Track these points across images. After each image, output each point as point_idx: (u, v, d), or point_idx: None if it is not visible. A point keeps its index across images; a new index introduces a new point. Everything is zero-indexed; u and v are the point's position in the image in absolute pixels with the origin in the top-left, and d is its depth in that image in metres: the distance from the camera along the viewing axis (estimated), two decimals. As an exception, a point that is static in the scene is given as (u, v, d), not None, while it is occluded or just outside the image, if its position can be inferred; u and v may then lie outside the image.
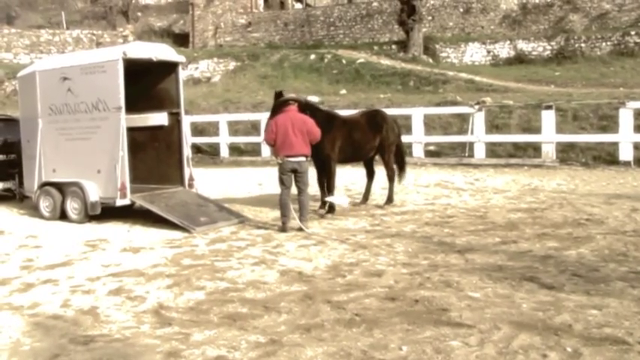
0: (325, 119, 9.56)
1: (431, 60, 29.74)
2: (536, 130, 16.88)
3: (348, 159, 10.14)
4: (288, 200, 8.43)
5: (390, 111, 19.31)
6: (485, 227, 8.42)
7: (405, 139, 17.94)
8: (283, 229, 8.41)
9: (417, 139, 17.94)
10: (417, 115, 18.05)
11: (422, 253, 7.02)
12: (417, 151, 17.92)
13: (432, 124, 18.82)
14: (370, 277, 6.07)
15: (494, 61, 29.77)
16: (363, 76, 26.66)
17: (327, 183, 9.86)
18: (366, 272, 6.24)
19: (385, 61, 28.61)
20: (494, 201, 10.76)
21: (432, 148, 18.41)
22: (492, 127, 18.03)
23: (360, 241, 7.77)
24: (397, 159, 10.72)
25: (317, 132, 8.59)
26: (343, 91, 24.83)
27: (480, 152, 17.13)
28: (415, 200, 11.17)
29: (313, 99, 22.20)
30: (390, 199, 10.51)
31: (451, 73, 25.75)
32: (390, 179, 10.57)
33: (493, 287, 5.58)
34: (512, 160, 16.69)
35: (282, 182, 8.46)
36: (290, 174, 8.42)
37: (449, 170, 16.04)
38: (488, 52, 30.23)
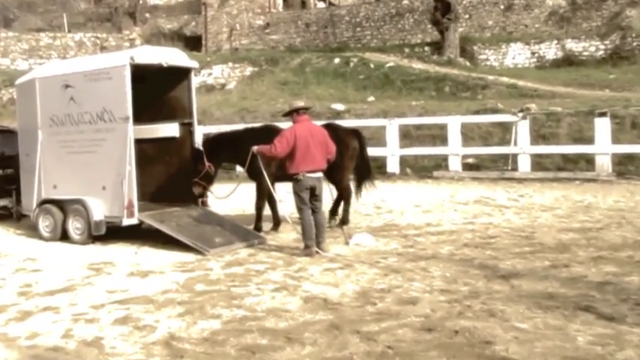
0: (262, 133, 10.01)
1: (468, 63, 29.69)
2: (589, 140, 16.72)
3: (287, 177, 9.81)
4: (312, 220, 8.45)
5: (423, 120, 19.70)
6: (533, 249, 8.35)
7: (440, 150, 18.41)
8: (308, 253, 8.37)
9: (453, 150, 17.92)
10: (454, 124, 18.04)
11: (461, 278, 6.96)
12: (454, 164, 17.90)
13: (470, 135, 18.80)
14: (404, 304, 6.04)
15: (539, 64, 29.62)
16: (392, 82, 26.68)
17: (255, 204, 10.19)
18: (399, 299, 6.21)
19: (417, 65, 28.64)
20: (542, 220, 10.67)
21: (470, 160, 18.41)
22: (538, 137, 17.91)
23: (391, 264, 7.74)
24: (361, 176, 10.64)
25: (334, 146, 8.74)
26: (371, 98, 24.85)
27: (524, 165, 17.01)
28: (452, 219, 11.12)
29: (338, 107, 22.27)
30: (344, 221, 10.40)
31: (491, 78, 25.68)
32: (346, 200, 10.49)
33: (543, 317, 5.51)
34: (562, 174, 16.55)
35: (301, 201, 8.45)
36: (308, 191, 8.42)
37: (490, 185, 16.01)
38: (533, 53, 30.08)
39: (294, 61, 31.13)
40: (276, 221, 10.43)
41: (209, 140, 10.34)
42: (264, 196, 10.15)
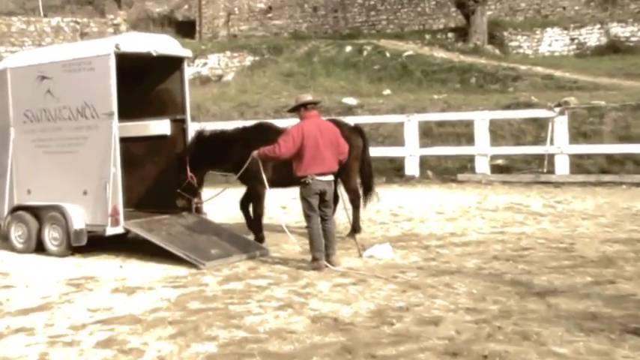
0: (255, 132, 10.16)
1: (498, 51, 29.62)
2: (638, 139, 16.66)
3: (285, 181, 9.75)
4: (321, 230, 8.48)
5: (446, 116, 19.69)
6: (573, 263, 8.34)
7: (466, 150, 18.39)
8: (316, 266, 8.39)
9: (480, 150, 17.89)
10: (481, 120, 18.02)
11: (490, 295, 6.95)
12: (481, 166, 17.85)
13: (499, 132, 18.75)
14: (425, 325, 6.03)
15: (579, 51, 29.50)
16: (411, 73, 26.63)
17: (253, 213, 10.25)
18: (420, 319, 6.21)
19: (439, 54, 28.60)
20: (582, 229, 10.67)
21: (500, 162, 18.35)
22: (578, 134, 17.84)
23: (410, 279, 7.74)
24: (362, 179, 10.68)
25: (346, 145, 8.84)
26: (387, 92, 24.80)
27: (562, 167, 16.95)
28: (480, 228, 11.14)
29: (349, 101, 22.27)
30: (355, 229, 10.43)
31: (524, 67, 25.63)
32: (355, 205, 10.54)
33: (585, 341, 5.48)
34: (606, 177, 16.47)
35: (310, 207, 8.47)
36: (317, 196, 8.45)
37: (522, 190, 15.96)
38: (572, 39, 29.98)
39: (300, 50, 31.15)
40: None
41: (192, 145, 10.29)
42: (262, 202, 10.22)
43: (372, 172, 10.96)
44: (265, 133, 10.12)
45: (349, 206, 10.34)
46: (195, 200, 10.30)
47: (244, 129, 10.82)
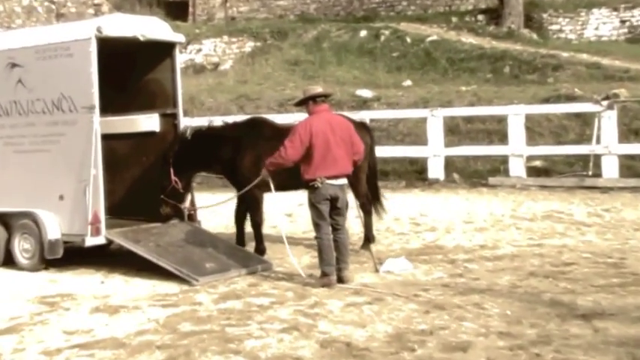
0: (247, 129, 10.29)
1: (535, 35, 29.53)
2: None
3: (285, 185, 9.77)
4: (331, 241, 8.50)
5: (476, 110, 19.64)
6: (623, 281, 8.27)
7: (498, 150, 18.37)
8: (326, 282, 8.40)
9: (515, 150, 17.82)
10: (516, 115, 17.97)
11: (527, 317, 6.92)
12: (516, 169, 17.80)
13: (537, 129, 18.79)
14: (451, 351, 6.00)
15: (631, 36, 29.34)
16: (436, 61, 26.66)
17: (251, 221, 10.28)
18: (445, 345, 6.17)
19: (468, 39, 28.55)
20: (634, 242, 10.60)
21: (537, 163, 18.36)
22: (629, 132, 17.83)
23: (434, 298, 7.72)
24: (368, 180, 10.72)
25: (361, 143, 8.90)
26: (407, 83, 24.82)
27: (610, 169, 16.91)
28: (514, 239, 11.12)
29: (364, 94, 22.25)
30: (368, 239, 10.50)
31: (566, 55, 25.58)
32: (366, 211, 10.60)
33: (638, 371, 5.50)
34: (661, 182, 16.42)
35: (319, 215, 8.49)
36: (327, 203, 8.46)
37: (564, 196, 15.91)
38: (623, 21, 29.85)
39: (308, 34, 31.19)
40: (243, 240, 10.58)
41: (175, 144, 10.31)
42: (261, 208, 10.25)
43: (377, 174, 11.10)
44: (259, 130, 10.27)
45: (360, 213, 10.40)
46: (186, 207, 10.32)
47: (235, 125, 10.86)
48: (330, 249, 8.44)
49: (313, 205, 8.49)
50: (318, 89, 8.93)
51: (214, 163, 10.41)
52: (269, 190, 9.36)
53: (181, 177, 10.12)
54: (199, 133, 10.40)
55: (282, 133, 9.94)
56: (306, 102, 8.67)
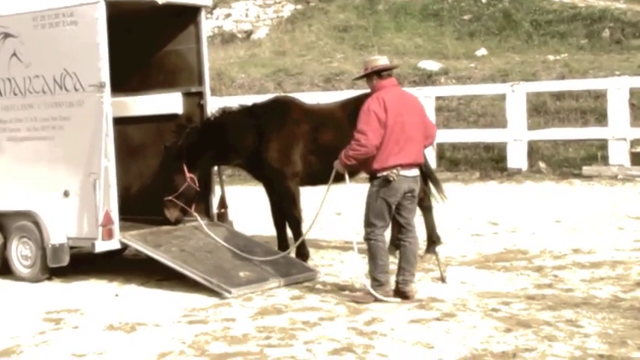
0: (271, 111, 10.35)
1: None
2: None
3: (318, 177, 9.97)
4: (386, 244, 8.56)
5: (566, 85, 19.60)
6: None
7: (595, 133, 18.60)
8: (382, 294, 8.30)
9: (615, 133, 17.58)
10: (618, 90, 17.69)
11: (632, 337, 6.73)
12: (617, 155, 17.62)
13: (646, 108, 18.68)
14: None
15: None
16: (516, 24, 26.84)
17: (288, 220, 10.40)
18: (533, 370, 6.10)
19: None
20: None
21: (644, 148, 17.89)
22: None
23: (518, 313, 7.68)
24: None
25: (434, 125, 9.09)
26: (482, 52, 25.08)
27: None
28: (616, 243, 10.95)
29: (429, 66, 21.96)
30: (433, 240, 10.58)
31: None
32: (426, 207, 10.57)
33: None
34: None
35: (379, 214, 8.35)
36: (397, 200, 8.34)
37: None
38: None
39: (360, -5, 31.11)
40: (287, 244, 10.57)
41: (189, 135, 10.18)
42: (299, 205, 10.30)
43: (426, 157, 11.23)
44: (285, 113, 10.27)
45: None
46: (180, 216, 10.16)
47: (254, 107, 10.68)
48: (386, 253, 8.47)
49: (381, 199, 8.30)
50: (383, 60, 8.73)
51: (233, 155, 10.45)
52: (343, 180, 9.09)
53: (194, 175, 10.11)
54: (212, 121, 10.38)
55: (313, 115, 10.49)
56: (370, 76, 8.54)
